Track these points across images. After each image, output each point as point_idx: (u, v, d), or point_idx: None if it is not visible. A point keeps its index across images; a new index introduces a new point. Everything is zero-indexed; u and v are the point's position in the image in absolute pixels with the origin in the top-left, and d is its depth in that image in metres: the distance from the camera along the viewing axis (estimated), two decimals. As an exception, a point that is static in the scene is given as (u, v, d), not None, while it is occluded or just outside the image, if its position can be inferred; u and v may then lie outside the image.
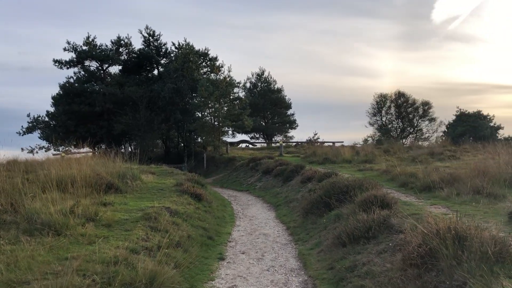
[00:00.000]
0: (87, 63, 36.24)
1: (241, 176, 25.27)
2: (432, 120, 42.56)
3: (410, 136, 44.43)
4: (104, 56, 35.46)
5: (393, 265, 5.65)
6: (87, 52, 35.01)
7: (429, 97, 41.48)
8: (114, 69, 38.08)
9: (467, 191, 9.54)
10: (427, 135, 42.82)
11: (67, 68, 35.55)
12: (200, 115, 33.39)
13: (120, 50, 37.03)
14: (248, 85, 45.82)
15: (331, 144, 32.87)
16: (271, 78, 48.00)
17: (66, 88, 34.42)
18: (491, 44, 73.41)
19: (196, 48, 37.00)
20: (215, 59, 37.75)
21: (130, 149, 35.42)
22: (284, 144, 32.92)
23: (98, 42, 36.14)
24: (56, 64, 35.08)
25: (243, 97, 34.03)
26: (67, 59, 35.20)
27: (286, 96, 47.63)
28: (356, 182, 10.25)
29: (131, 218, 8.57)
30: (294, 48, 78.66)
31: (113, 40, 36.54)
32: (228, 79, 31.91)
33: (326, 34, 79.36)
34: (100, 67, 36.85)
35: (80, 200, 8.76)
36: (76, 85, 34.87)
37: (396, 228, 6.85)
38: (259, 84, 48.29)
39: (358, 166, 19.32)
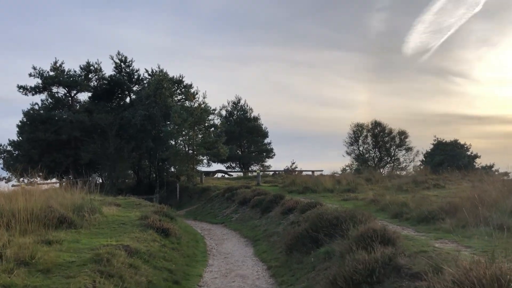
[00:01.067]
0: (54, 89, 34.43)
1: (216, 207, 23.69)
2: (408, 149, 42.29)
3: (387, 165, 44.10)
4: (72, 82, 33.74)
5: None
6: (54, 78, 33.22)
7: (403, 128, 41.96)
8: (84, 96, 36.38)
9: (473, 223, 8.32)
10: (404, 164, 42.66)
11: (32, 94, 33.62)
12: (173, 143, 31.79)
13: (90, 76, 35.36)
14: (223, 113, 44.51)
15: (310, 173, 31.71)
16: (247, 106, 46.90)
17: (30, 115, 32.43)
18: (460, 77, 75.31)
19: (170, 75, 35.76)
20: (190, 86, 36.43)
21: (98, 180, 33.45)
22: (261, 173, 31.57)
23: (66, 67, 34.51)
24: (21, 90, 33.17)
25: (218, 124, 32.58)
26: (32, 85, 33.36)
27: (262, 124, 46.54)
28: (347, 213, 8.92)
29: (78, 261, 6.99)
30: (269, 79, 78.79)
31: (82, 66, 34.93)
32: (203, 105, 30.64)
33: (301, 66, 79.98)
34: (68, 94, 35.05)
35: (14, 239, 7.13)
36: (42, 112, 32.95)
37: (407, 271, 5.50)
38: (235, 112, 47.07)
39: (341, 196, 18.07)
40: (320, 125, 70.93)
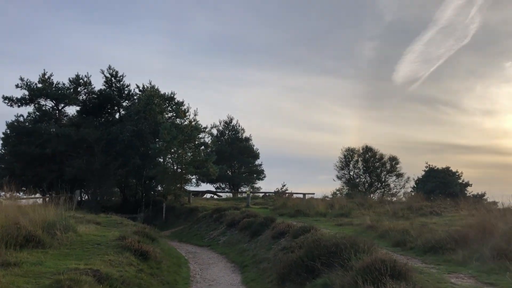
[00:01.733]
0: (41, 101, 33.36)
1: (203, 229, 22.58)
2: (399, 175, 41.90)
3: (378, 191, 43.50)
4: (60, 95, 32.75)
5: None
6: (41, 90, 32.22)
7: (393, 154, 42.26)
8: (72, 109, 35.36)
9: (489, 255, 7.41)
10: (394, 190, 42.16)
11: (18, 106, 32.51)
12: (161, 160, 30.74)
13: (79, 89, 34.40)
14: (214, 131, 43.53)
15: (301, 195, 30.71)
16: (239, 126, 46.19)
17: (14, 127, 31.27)
18: (449, 107, 75.97)
19: (162, 91, 34.89)
20: (181, 103, 35.45)
21: (81, 197, 32.16)
22: (251, 194, 30.52)
23: (54, 80, 33.55)
24: (6, 101, 32.11)
25: (209, 142, 31.58)
26: (19, 97, 32.30)
27: (254, 145, 45.69)
28: (347, 240, 7.98)
29: (35, 288, 5.96)
30: (261, 102, 78.76)
31: (71, 79, 33.94)
32: (193, 123, 29.76)
33: (293, 91, 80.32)
34: (55, 107, 34.02)
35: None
36: (27, 124, 31.82)
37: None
38: (227, 132, 46.32)
39: (335, 220, 17.12)
40: (310, 149, 70.77)
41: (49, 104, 33.87)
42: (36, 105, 33.43)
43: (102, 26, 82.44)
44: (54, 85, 33.24)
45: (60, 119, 33.88)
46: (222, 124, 45.88)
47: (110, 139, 30.91)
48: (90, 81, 34.67)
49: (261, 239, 14.75)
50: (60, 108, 34.17)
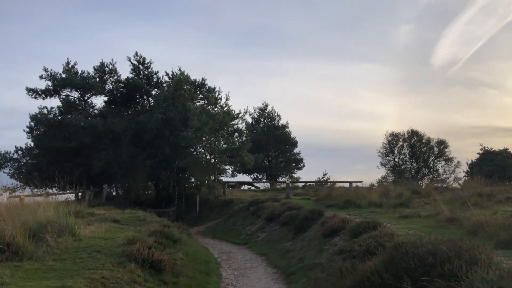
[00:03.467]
0: (66, 92, 31.72)
1: (239, 224, 20.20)
2: (448, 160, 39.30)
3: (425, 177, 40.45)
4: (85, 84, 30.96)
5: None
6: (65, 80, 30.51)
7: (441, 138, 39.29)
8: (99, 100, 33.73)
9: None
10: (444, 176, 39.44)
11: (43, 98, 30.95)
12: (192, 150, 28.45)
13: (105, 78, 32.53)
14: (249, 119, 40.81)
15: (346, 184, 27.77)
16: (275, 113, 43.34)
17: (38, 119, 29.69)
18: (493, 89, 70.32)
19: (192, 78, 32.55)
20: (213, 89, 32.97)
21: (111, 191, 30.45)
22: (291, 184, 27.82)
23: (79, 69, 31.80)
24: (30, 93, 30.57)
25: (243, 129, 28.93)
26: (43, 88, 30.69)
27: (291, 133, 42.81)
28: (449, 246, 5.22)
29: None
30: (296, 92, 75.74)
31: (95, 67, 32.11)
32: (225, 108, 27.34)
33: (328, 79, 76.77)
34: (81, 97, 32.34)
35: None
36: (51, 116, 30.23)
37: None
38: (262, 120, 43.60)
39: (395, 212, 14.20)
40: (347, 138, 67.51)
41: (74, 95, 32.24)
42: (61, 96, 31.87)
43: (132, 22, 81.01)
44: (79, 75, 31.50)
45: (86, 111, 32.18)
46: (257, 111, 43.18)
47: (138, 129, 28.90)
48: (115, 69, 32.71)
49: (308, 236, 12.11)
50: (86, 98, 32.46)
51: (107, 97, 33.42)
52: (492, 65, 73.24)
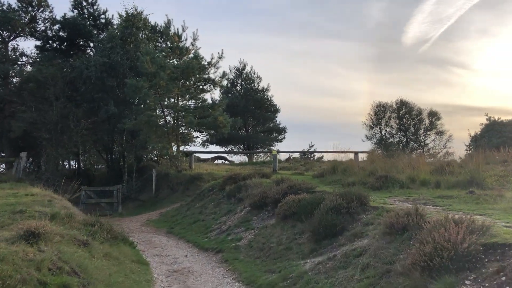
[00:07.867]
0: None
1: (208, 211, 13.29)
2: (439, 133, 36.51)
3: (414, 151, 36.22)
4: (4, 18, 22.96)
5: None
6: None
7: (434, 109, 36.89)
8: (29, 44, 25.64)
9: None
10: (434, 150, 36.10)
11: None
12: (147, 107, 20.80)
13: (32, 13, 24.44)
14: (225, 68, 33.19)
15: (352, 155, 20.81)
16: (254, 73, 36.05)
17: None
18: (461, 68, 69.29)
19: (152, 23, 24.76)
20: (179, 35, 25.23)
21: (30, 161, 22.86)
22: (278, 155, 20.74)
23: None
24: None
25: (216, 79, 21.00)
26: None
27: (272, 97, 35.69)
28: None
29: None
30: (268, 68, 71.10)
31: (19, -2, 23.90)
32: (192, 51, 19.94)
33: (300, 56, 72.83)
34: (0, 39, 24.27)
35: None
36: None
37: None
38: (239, 82, 36.28)
39: (485, 199, 7.39)
40: (320, 115, 63.67)
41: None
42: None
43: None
44: (-3, 8, 23.41)
45: (7, 56, 24.17)
46: (233, 71, 35.81)
47: (73, 78, 21.20)
48: (47, 3, 24.67)
49: (347, 252, 5.19)
50: (7, 40, 24.39)
51: (40, 42, 25.52)
52: (460, 45, 71.69)
